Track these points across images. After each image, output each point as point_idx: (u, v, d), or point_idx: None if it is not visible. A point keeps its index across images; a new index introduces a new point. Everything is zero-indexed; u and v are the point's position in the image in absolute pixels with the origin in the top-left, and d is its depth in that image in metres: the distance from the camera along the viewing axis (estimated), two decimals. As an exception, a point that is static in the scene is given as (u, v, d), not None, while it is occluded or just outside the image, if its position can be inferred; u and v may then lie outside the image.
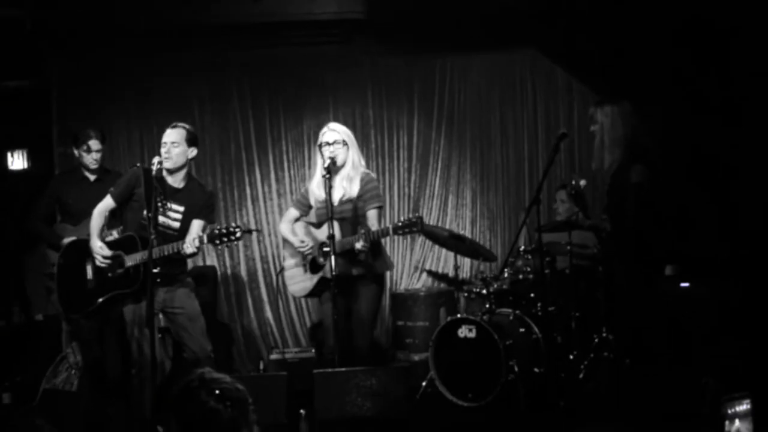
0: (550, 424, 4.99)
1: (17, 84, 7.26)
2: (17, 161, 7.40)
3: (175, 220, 5.09)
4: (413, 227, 4.86)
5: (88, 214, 5.34)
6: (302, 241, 5.31)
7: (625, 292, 5.21)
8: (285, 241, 5.58)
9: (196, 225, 5.10)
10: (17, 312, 7.40)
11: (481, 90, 7.39)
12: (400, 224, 4.90)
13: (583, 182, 5.94)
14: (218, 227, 4.87)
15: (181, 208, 5.10)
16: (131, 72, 7.22)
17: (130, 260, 4.99)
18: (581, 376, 5.74)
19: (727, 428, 2.89)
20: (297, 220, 5.54)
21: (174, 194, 5.11)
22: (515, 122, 7.37)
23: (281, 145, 7.38)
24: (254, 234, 7.24)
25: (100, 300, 5.07)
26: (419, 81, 7.42)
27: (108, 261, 5.04)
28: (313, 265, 5.32)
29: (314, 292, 5.40)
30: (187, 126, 5.18)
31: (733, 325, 5.36)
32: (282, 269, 5.41)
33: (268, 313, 7.30)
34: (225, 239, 4.81)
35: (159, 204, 4.97)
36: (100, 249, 5.06)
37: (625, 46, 6.66)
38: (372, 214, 5.26)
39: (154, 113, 7.26)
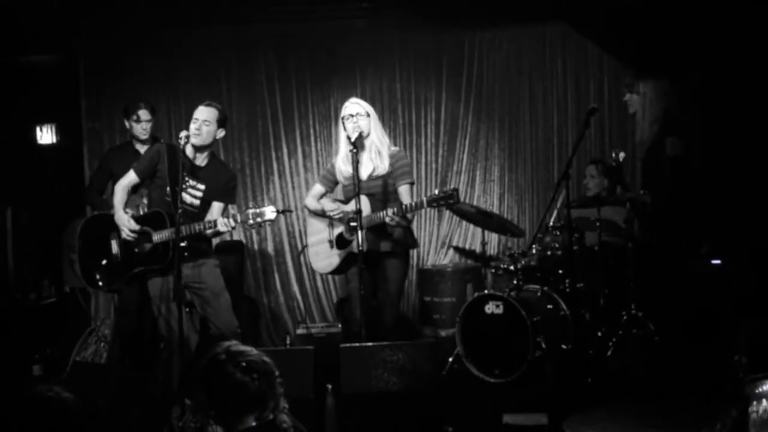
0: (578, 401, 4.96)
1: (46, 59, 7.30)
2: (46, 135, 7.45)
3: (196, 197, 5.10)
4: (449, 199, 4.86)
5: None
6: (333, 208, 5.31)
7: (659, 267, 5.17)
8: (310, 217, 5.57)
9: (216, 207, 5.12)
10: (47, 285, 7.48)
11: (510, 64, 7.31)
12: (435, 196, 4.89)
13: (622, 155, 5.84)
14: (252, 208, 4.84)
15: (202, 186, 5.11)
16: (159, 45, 7.23)
17: (158, 236, 4.99)
18: (609, 353, 5.71)
19: (753, 408, 2.83)
20: (323, 196, 5.54)
21: (196, 172, 5.12)
22: (545, 97, 7.29)
23: (308, 119, 7.36)
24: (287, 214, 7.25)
25: (129, 274, 5.10)
26: (448, 55, 7.35)
27: (134, 235, 5.06)
28: (339, 240, 5.32)
29: (340, 269, 5.42)
30: (219, 106, 5.18)
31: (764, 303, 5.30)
32: (305, 246, 5.39)
33: (295, 288, 7.32)
34: (259, 219, 4.80)
35: (183, 182, 4.97)
36: (128, 222, 5.06)
37: (659, 18, 6.54)
38: (404, 190, 5.28)
39: (181, 87, 7.28)
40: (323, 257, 5.46)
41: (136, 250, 5.08)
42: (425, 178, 7.31)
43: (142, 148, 6.08)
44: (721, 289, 5.63)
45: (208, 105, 5.13)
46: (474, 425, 4.86)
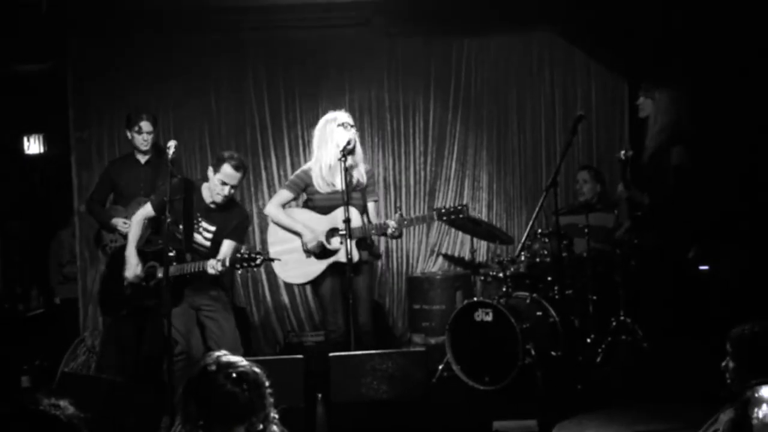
0: (568, 408, 4.97)
1: (33, 68, 7.29)
2: (33, 146, 7.45)
3: (206, 239, 5.20)
4: (459, 213, 5.02)
5: (138, 196, 5.71)
6: (305, 233, 5.29)
7: (649, 271, 5.20)
8: (273, 225, 5.49)
9: (227, 245, 5.16)
10: (35, 296, 7.47)
11: (498, 72, 7.35)
12: (444, 210, 5.02)
13: (630, 153, 5.83)
14: (240, 252, 4.95)
15: (213, 228, 5.19)
16: (148, 56, 7.20)
17: (159, 273, 5.09)
18: (599, 359, 5.74)
19: (755, 414, 2.83)
20: (288, 203, 5.50)
21: (208, 213, 5.19)
22: (533, 104, 7.33)
23: (296, 128, 7.35)
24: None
25: (132, 306, 5.31)
26: (436, 63, 7.37)
27: (136, 280, 5.22)
28: (323, 251, 5.29)
29: (318, 279, 5.38)
30: (246, 165, 5.24)
31: (755, 306, 5.33)
32: (268, 258, 5.28)
33: (284, 297, 7.30)
34: (245, 264, 4.86)
35: (195, 221, 5.13)
36: (136, 268, 5.20)
37: (646, 24, 6.58)
38: (372, 206, 5.41)
39: (170, 95, 7.25)
40: (294, 267, 5.38)
41: (144, 284, 5.23)
42: (414, 185, 7.32)
43: (143, 159, 6.12)
44: (711, 294, 5.67)
45: (239, 169, 5.08)
46: (464, 433, 4.88)
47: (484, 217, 7.19)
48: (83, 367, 6.19)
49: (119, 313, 5.47)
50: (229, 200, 5.18)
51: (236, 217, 5.25)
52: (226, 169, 5.01)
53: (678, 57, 6.24)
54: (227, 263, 4.89)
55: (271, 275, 7.30)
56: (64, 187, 7.13)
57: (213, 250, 5.15)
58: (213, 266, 4.90)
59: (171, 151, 4.87)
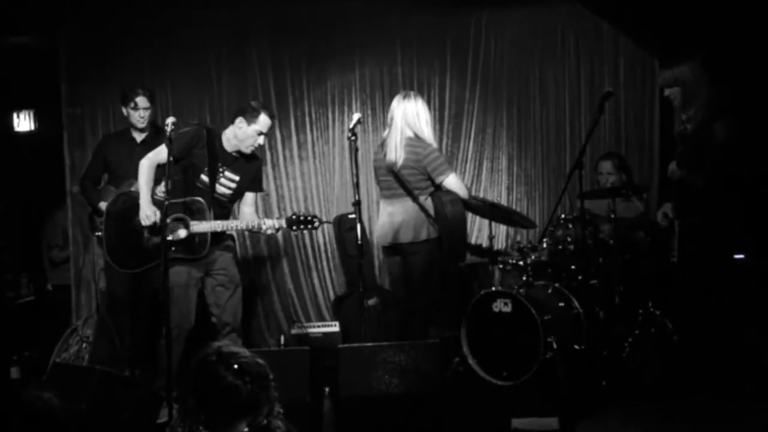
0: (591, 405, 4.96)
1: (24, 41, 7.26)
2: (24, 122, 7.44)
3: (229, 188, 5.35)
4: (308, 224, 5.18)
5: (130, 176, 5.63)
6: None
7: (694, 262, 5.12)
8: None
9: (250, 197, 5.48)
10: (26, 283, 7.47)
11: (519, 47, 7.29)
12: (294, 218, 5.16)
13: (684, 127, 5.63)
14: (297, 214, 5.16)
15: (237, 177, 5.36)
16: (145, 29, 7.17)
17: (197, 227, 5.15)
18: (624, 354, 5.70)
19: None
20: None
21: (232, 163, 5.34)
22: (556, 81, 7.27)
23: (303, 105, 7.34)
24: (274, 200, 7.25)
25: (148, 263, 5.28)
26: (452, 37, 7.32)
27: (152, 224, 5.19)
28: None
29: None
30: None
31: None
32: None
33: (290, 285, 7.31)
34: (302, 226, 5.14)
35: (219, 171, 5.26)
36: (153, 215, 5.16)
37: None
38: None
39: (168, 71, 7.23)
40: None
41: (171, 237, 5.03)
42: (429, 167, 7.29)
43: (139, 137, 6.11)
44: (744, 285, 5.61)
45: (273, 117, 5.42)
46: (480, 430, 4.86)
47: (503, 201, 7.16)
48: (76, 358, 6.20)
49: (139, 267, 5.35)
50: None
51: (256, 166, 5.53)
52: (263, 119, 5.26)
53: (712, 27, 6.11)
54: (284, 224, 5.15)
55: (276, 262, 7.31)
56: (57, 166, 7.11)
57: (231, 201, 5.40)
58: (272, 227, 5.16)
59: (169, 128, 4.84)
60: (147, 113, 6.08)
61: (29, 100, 7.43)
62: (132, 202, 5.32)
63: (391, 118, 5.63)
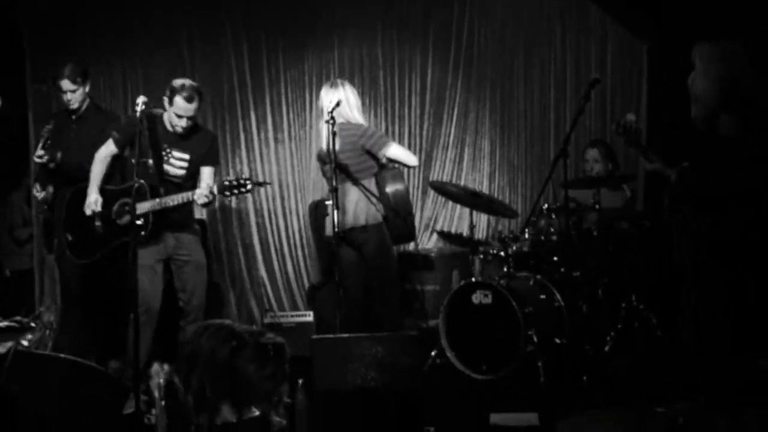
0: (572, 401, 4.97)
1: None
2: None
3: (181, 168, 5.41)
4: (241, 188, 5.12)
5: (61, 149, 5.74)
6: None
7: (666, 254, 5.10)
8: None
9: (207, 171, 5.48)
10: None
11: (503, 28, 7.29)
12: (227, 183, 5.12)
13: (631, 116, 5.60)
14: (228, 179, 5.13)
15: (186, 156, 5.41)
16: (112, 4, 7.11)
17: (139, 209, 5.14)
18: (607, 348, 5.72)
19: None
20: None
21: (178, 142, 5.39)
22: (541, 65, 7.27)
23: (279, 86, 7.31)
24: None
25: (109, 246, 5.45)
26: (435, 17, 7.32)
27: (96, 213, 5.41)
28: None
29: None
30: (194, 84, 5.36)
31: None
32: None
33: (262, 272, 7.29)
34: (235, 191, 5.10)
35: (164, 152, 5.34)
36: (94, 203, 5.41)
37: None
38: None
39: (137, 50, 7.22)
40: None
41: (118, 222, 5.41)
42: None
43: (74, 115, 5.95)
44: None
45: (190, 101, 5.28)
46: (458, 425, 4.86)
47: (485, 189, 7.16)
48: (39, 345, 6.14)
49: (94, 256, 5.56)
50: (192, 127, 5.39)
51: (206, 140, 5.56)
52: (178, 101, 5.25)
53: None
54: (215, 191, 5.12)
55: (248, 247, 7.28)
56: (20, 145, 7.03)
57: (187, 180, 5.41)
58: (202, 194, 5.14)
59: (140, 108, 4.86)
60: (74, 95, 5.83)
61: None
62: (83, 195, 5.52)
63: (321, 109, 5.52)
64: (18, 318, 4.12)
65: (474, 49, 7.30)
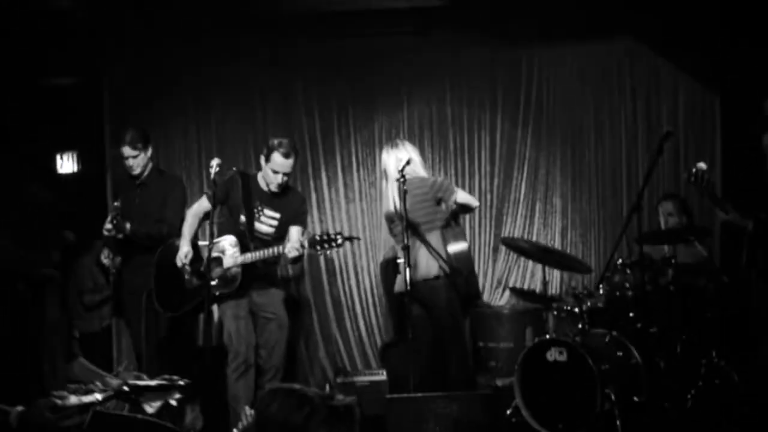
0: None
1: (68, 81, 7.42)
2: (67, 164, 7.57)
3: (271, 226, 5.59)
4: (332, 242, 5.23)
5: (128, 217, 5.89)
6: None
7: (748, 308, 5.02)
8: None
9: (295, 231, 5.63)
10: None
11: (572, 84, 7.31)
12: (318, 238, 5.24)
13: (702, 165, 5.48)
14: (319, 234, 5.27)
15: (277, 215, 5.60)
16: (189, 65, 7.34)
17: (227, 262, 5.47)
18: (688, 406, 5.61)
19: None
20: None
21: (270, 201, 5.58)
22: (611, 120, 7.26)
23: (350, 145, 7.41)
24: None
25: (189, 305, 5.67)
26: (503, 75, 7.37)
27: (187, 268, 5.60)
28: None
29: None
30: (292, 141, 5.67)
31: None
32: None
33: (335, 330, 7.33)
34: (326, 245, 5.23)
35: (255, 210, 5.53)
36: (184, 256, 5.63)
37: (738, 30, 6.45)
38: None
39: (212, 108, 7.40)
40: None
41: (210, 276, 5.46)
42: (478, 209, 7.27)
43: (137, 180, 6.07)
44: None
45: (287, 156, 5.48)
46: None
47: (557, 244, 7.13)
48: (116, 406, 6.24)
49: (182, 309, 5.73)
50: (285, 187, 5.59)
51: (296, 200, 5.78)
52: (276, 158, 5.45)
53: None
54: (306, 245, 5.25)
55: (320, 305, 7.33)
56: (98, 208, 7.20)
57: (276, 239, 5.55)
58: (293, 248, 5.27)
59: (214, 170, 5.03)
60: (136, 161, 5.95)
61: (72, 142, 7.57)
62: (174, 250, 5.72)
63: (385, 170, 5.80)
64: (167, 376, 4.16)
65: (543, 106, 7.33)
